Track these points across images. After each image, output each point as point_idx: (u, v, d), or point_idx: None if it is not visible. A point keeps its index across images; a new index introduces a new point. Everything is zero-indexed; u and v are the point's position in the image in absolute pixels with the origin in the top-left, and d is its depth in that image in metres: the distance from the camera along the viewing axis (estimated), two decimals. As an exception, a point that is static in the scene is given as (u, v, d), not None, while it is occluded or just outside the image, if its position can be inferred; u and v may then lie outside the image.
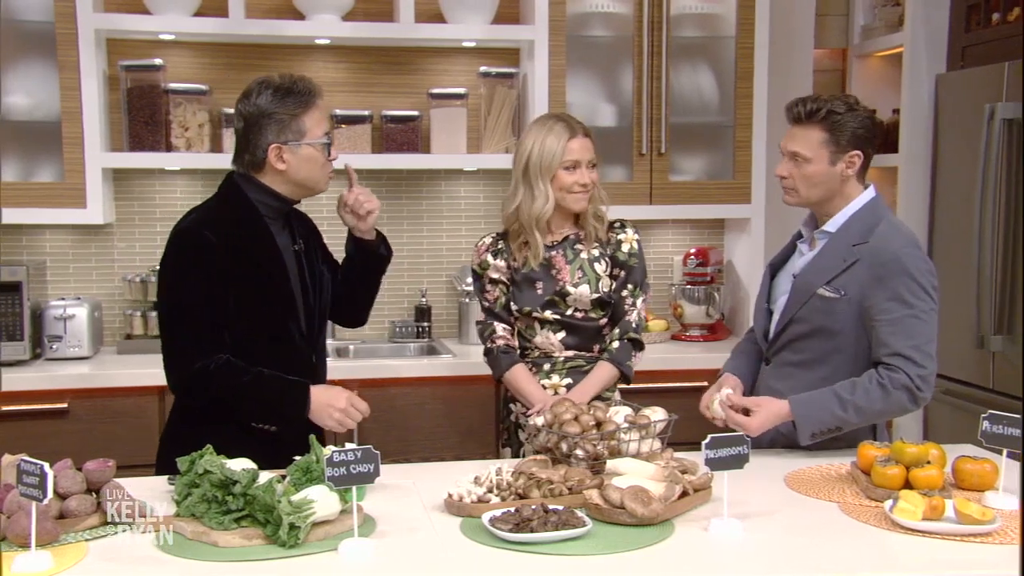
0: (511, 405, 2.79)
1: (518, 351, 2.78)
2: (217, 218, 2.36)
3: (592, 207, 2.72)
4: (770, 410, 2.33)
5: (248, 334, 2.34)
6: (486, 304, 2.79)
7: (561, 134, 2.65)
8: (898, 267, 2.32)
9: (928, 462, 2.05)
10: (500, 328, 2.76)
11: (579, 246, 2.73)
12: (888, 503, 1.93)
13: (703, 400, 2.49)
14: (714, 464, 1.90)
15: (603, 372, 2.69)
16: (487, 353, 2.78)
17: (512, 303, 2.74)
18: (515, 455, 2.74)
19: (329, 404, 2.30)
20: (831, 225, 2.44)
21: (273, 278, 2.37)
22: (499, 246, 2.78)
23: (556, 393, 2.67)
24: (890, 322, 2.31)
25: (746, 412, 2.34)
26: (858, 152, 2.40)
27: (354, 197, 2.53)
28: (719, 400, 2.38)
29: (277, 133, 2.33)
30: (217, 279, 2.29)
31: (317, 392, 2.32)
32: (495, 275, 2.76)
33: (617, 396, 2.74)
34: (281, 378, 2.33)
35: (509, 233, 2.75)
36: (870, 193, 2.46)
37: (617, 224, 2.78)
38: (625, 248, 2.74)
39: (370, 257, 2.62)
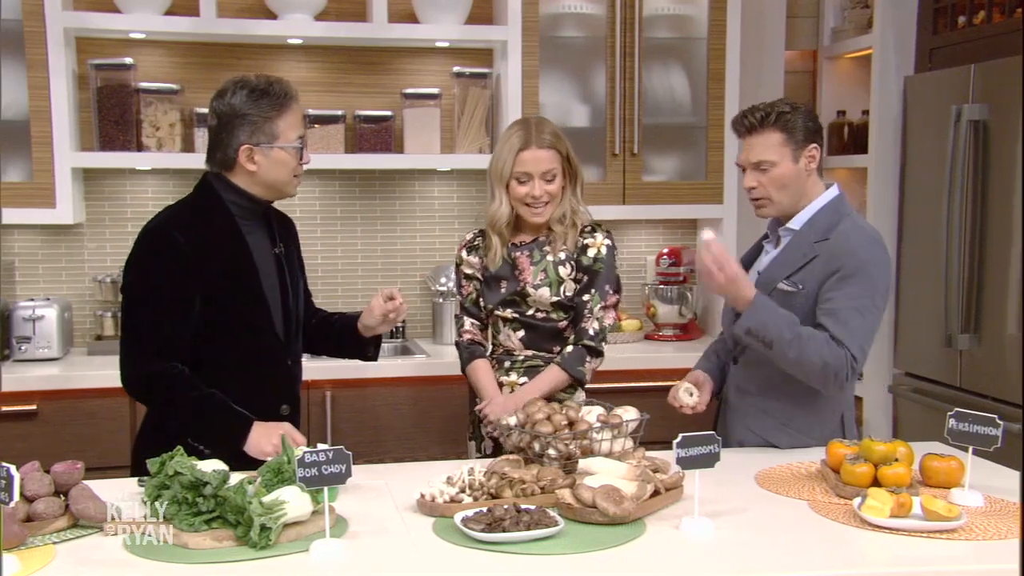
0: (477, 400, 2.78)
1: (488, 347, 2.80)
2: (187, 218, 2.35)
3: (559, 212, 2.67)
4: (740, 280, 2.34)
5: (221, 335, 2.33)
6: (460, 299, 2.83)
7: (514, 144, 2.62)
8: (853, 261, 2.35)
9: (896, 460, 2.07)
10: (468, 323, 2.79)
11: (547, 248, 2.71)
12: (856, 501, 1.95)
13: (671, 394, 2.52)
14: (685, 463, 1.91)
15: (551, 375, 2.64)
16: (456, 346, 2.81)
17: (480, 299, 2.77)
18: (478, 449, 2.76)
19: (264, 437, 2.24)
20: (795, 223, 2.47)
21: (243, 278, 2.36)
22: (476, 243, 2.79)
23: (512, 391, 2.67)
24: (831, 311, 2.34)
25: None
26: (815, 145, 2.44)
27: (397, 307, 2.51)
28: (704, 238, 2.35)
29: (249, 134, 2.32)
30: (184, 282, 2.28)
31: (257, 427, 2.26)
32: (468, 271, 2.79)
33: (580, 397, 2.71)
34: (228, 406, 2.28)
35: (486, 232, 2.77)
36: (833, 191, 2.49)
37: (588, 228, 2.72)
38: (591, 253, 2.68)
39: (356, 348, 2.65)
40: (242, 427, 2.25)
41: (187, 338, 2.30)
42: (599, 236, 2.72)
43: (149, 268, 2.31)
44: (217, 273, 2.31)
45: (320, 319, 2.68)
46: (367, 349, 2.66)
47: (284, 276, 2.46)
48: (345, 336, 2.63)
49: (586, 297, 2.68)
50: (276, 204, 2.50)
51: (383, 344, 3.90)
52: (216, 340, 2.33)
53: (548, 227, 2.71)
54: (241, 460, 2.12)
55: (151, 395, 2.33)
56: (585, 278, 2.68)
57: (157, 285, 2.28)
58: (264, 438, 2.23)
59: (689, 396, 2.50)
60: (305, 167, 2.43)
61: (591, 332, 2.66)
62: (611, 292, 2.70)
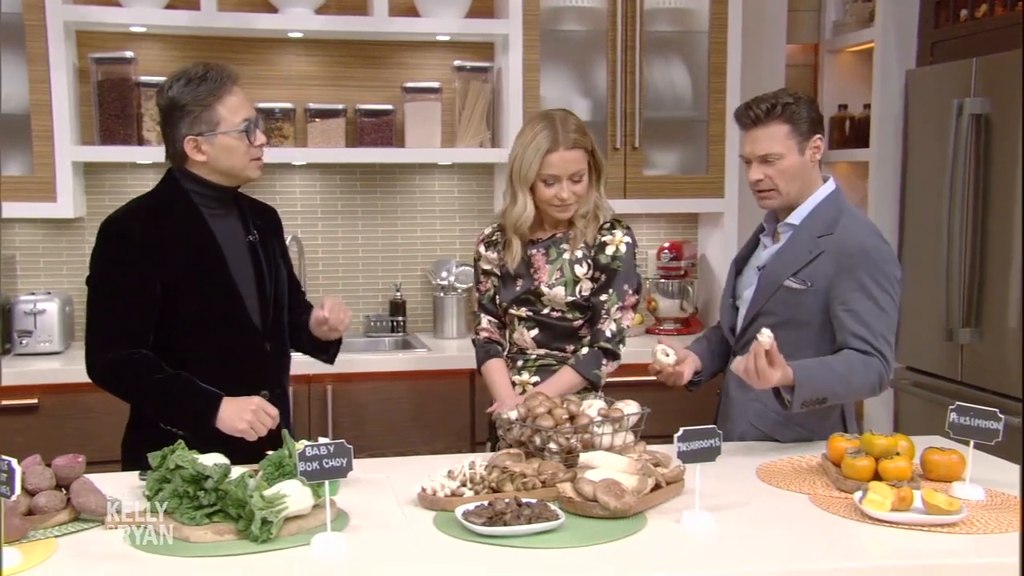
0: (493, 400, 2.74)
1: (506, 345, 2.74)
2: (146, 208, 2.35)
3: (583, 208, 2.61)
4: (785, 371, 2.21)
5: (195, 327, 2.33)
6: (477, 295, 2.78)
7: (541, 145, 2.52)
8: (864, 257, 2.35)
9: (897, 453, 2.07)
10: (485, 320, 2.74)
11: (564, 246, 2.64)
12: (857, 494, 1.95)
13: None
14: (686, 457, 1.91)
15: (566, 377, 2.59)
16: (473, 343, 2.78)
17: (497, 296, 2.72)
18: (493, 450, 2.74)
19: (236, 413, 2.21)
20: (795, 217, 2.46)
21: (210, 266, 2.34)
22: (494, 238, 2.73)
23: (524, 391, 2.63)
24: (855, 312, 2.33)
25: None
26: (818, 135, 2.43)
27: (336, 316, 2.45)
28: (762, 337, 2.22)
29: (190, 125, 2.30)
30: (143, 271, 2.28)
31: (227, 402, 2.23)
32: (486, 266, 2.73)
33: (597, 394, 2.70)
34: (195, 384, 2.26)
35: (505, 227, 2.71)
36: (830, 185, 2.48)
37: (608, 224, 2.63)
38: (609, 251, 2.60)
39: (314, 348, 2.62)
40: (211, 404, 2.23)
41: (151, 326, 2.30)
42: (618, 233, 2.63)
43: (107, 258, 2.32)
44: (181, 263, 2.31)
45: (292, 319, 2.60)
46: (327, 349, 2.61)
47: (259, 263, 2.43)
48: (305, 337, 2.58)
49: (603, 297, 2.60)
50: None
51: (384, 339, 3.95)
52: (191, 333, 2.33)
53: (570, 221, 2.64)
54: (241, 453, 2.12)
55: (117, 382, 2.33)
56: (603, 277, 2.60)
57: (116, 274, 2.29)
58: (236, 415, 2.20)
59: (665, 356, 2.43)
60: (264, 148, 2.38)
61: (608, 334, 2.60)
62: (630, 292, 2.63)
